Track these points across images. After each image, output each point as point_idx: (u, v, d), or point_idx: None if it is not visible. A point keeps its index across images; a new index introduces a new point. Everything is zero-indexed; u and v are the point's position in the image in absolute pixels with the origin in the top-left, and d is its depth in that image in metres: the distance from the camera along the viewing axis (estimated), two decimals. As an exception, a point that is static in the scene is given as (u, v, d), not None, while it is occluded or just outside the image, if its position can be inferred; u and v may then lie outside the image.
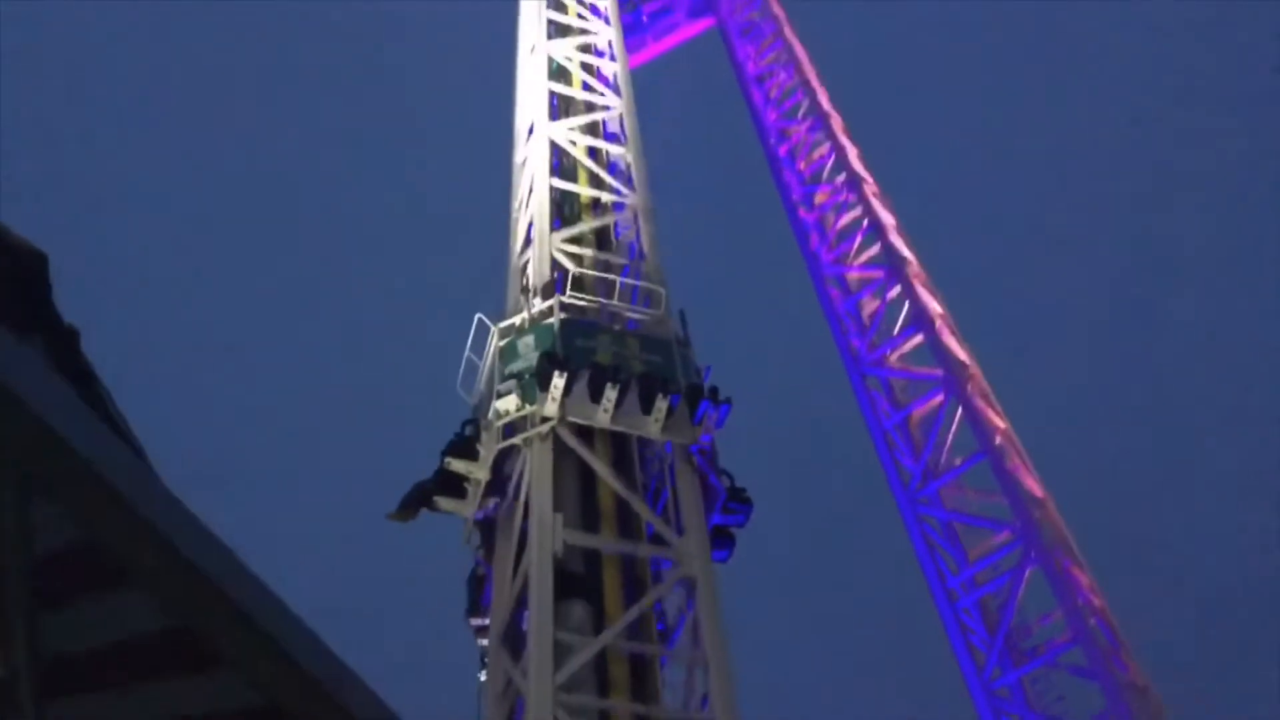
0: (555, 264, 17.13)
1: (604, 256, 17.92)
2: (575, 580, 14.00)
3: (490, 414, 15.04)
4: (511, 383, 15.00)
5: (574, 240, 18.02)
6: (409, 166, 73.43)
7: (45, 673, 2.52)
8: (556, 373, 14.56)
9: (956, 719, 22.89)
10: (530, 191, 18.94)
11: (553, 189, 18.61)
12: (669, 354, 15.90)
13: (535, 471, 14.74)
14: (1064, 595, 19.93)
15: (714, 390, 15.48)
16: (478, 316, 16.33)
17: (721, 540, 15.28)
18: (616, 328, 16.35)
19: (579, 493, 15.26)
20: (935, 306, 25.48)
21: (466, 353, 16.13)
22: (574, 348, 15.27)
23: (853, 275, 26.67)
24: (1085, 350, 68.37)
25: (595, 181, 19.29)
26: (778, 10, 32.67)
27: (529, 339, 15.65)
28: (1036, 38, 73.67)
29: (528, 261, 17.61)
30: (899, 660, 55.88)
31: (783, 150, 29.98)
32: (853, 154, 28.49)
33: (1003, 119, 73.06)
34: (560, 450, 14.93)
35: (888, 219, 27.38)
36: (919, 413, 24.13)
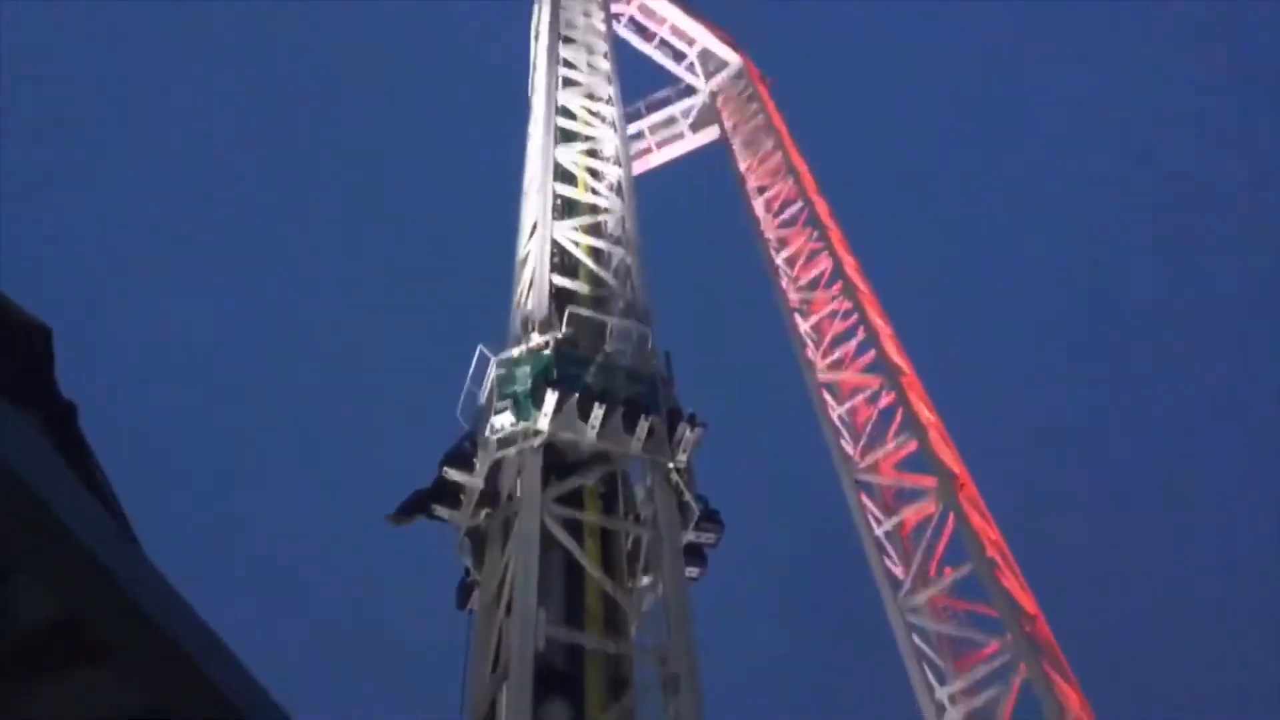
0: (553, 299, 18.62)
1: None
2: (557, 676, 13.80)
3: (487, 429, 16.19)
4: (508, 401, 16.32)
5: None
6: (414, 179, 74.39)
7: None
8: (549, 390, 15.97)
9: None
10: (530, 285, 19.41)
11: (552, 284, 19.23)
12: (653, 386, 17.25)
13: (520, 566, 14.71)
14: (1056, 713, 19.59)
15: (692, 416, 16.88)
16: (479, 348, 17.44)
17: (694, 558, 16.61)
18: (605, 359, 17.61)
19: (565, 588, 15.20)
20: (928, 415, 25.63)
21: (467, 384, 17.19)
22: (567, 373, 16.68)
23: (847, 381, 26.87)
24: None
25: (594, 280, 19.89)
26: (779, 123, 33.62)
27: (525, 368, 16.97)
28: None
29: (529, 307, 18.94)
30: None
31: (781, 258, 30.50)
32: (850, 265, 29.00)
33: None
34: (547, 543, 14.93)
35: (883, 327, 27.71)
36: (910, 520, 24.05)
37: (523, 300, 19.54)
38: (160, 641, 2.16)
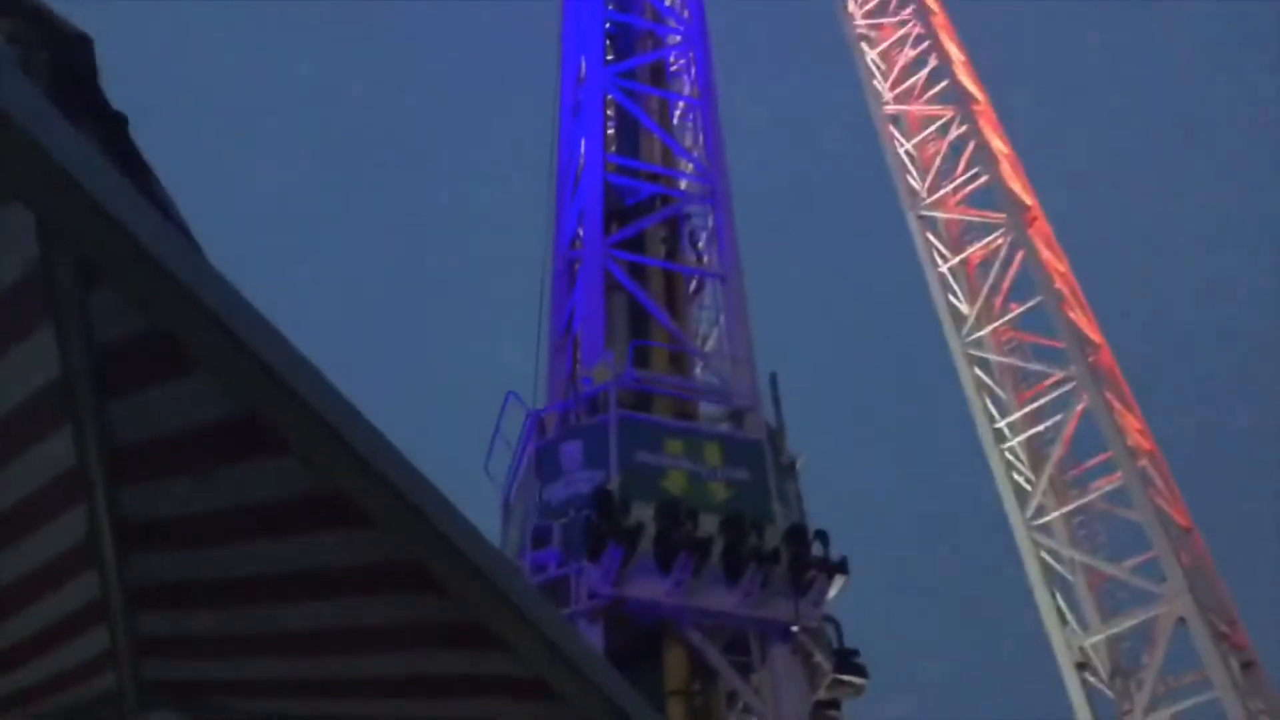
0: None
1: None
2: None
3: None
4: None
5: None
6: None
7: (114, 461, 2.71)
8: (611, 543, 11.22)
9: (996, 555, 23.42)
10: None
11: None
12: (760, 468, 12.74)
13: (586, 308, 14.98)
14: (1115, 437, 19.97)
15: (824, 558, 11.88)
16: (509, 395, 13.93)
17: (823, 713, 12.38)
18: (685, 421, 13.62)
19: (629, 331, 15.52)
20: (1000, 146, 24.72)
21: (495, 433, 13.74)
22: (635, 474, 12.06)
23: (915, 113, 25.83)
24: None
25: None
26: None
27: (574, 448, 12.67)
28: None
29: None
30: (937, 493, 56.90)
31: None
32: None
33: None
34: (610, 285, 15.16)
35: (956, 54, 26.28)
36: (977, 256, 23.76)
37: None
38: (240, 349, 2.19)
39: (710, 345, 17.05)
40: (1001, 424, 21.36)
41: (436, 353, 65.18)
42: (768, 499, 12.41)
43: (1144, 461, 20.18)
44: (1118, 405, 20.78)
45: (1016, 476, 20.95)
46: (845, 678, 12.14)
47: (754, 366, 14.93)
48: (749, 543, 11.62)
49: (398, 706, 3.18)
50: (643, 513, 11.47)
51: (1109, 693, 18.78)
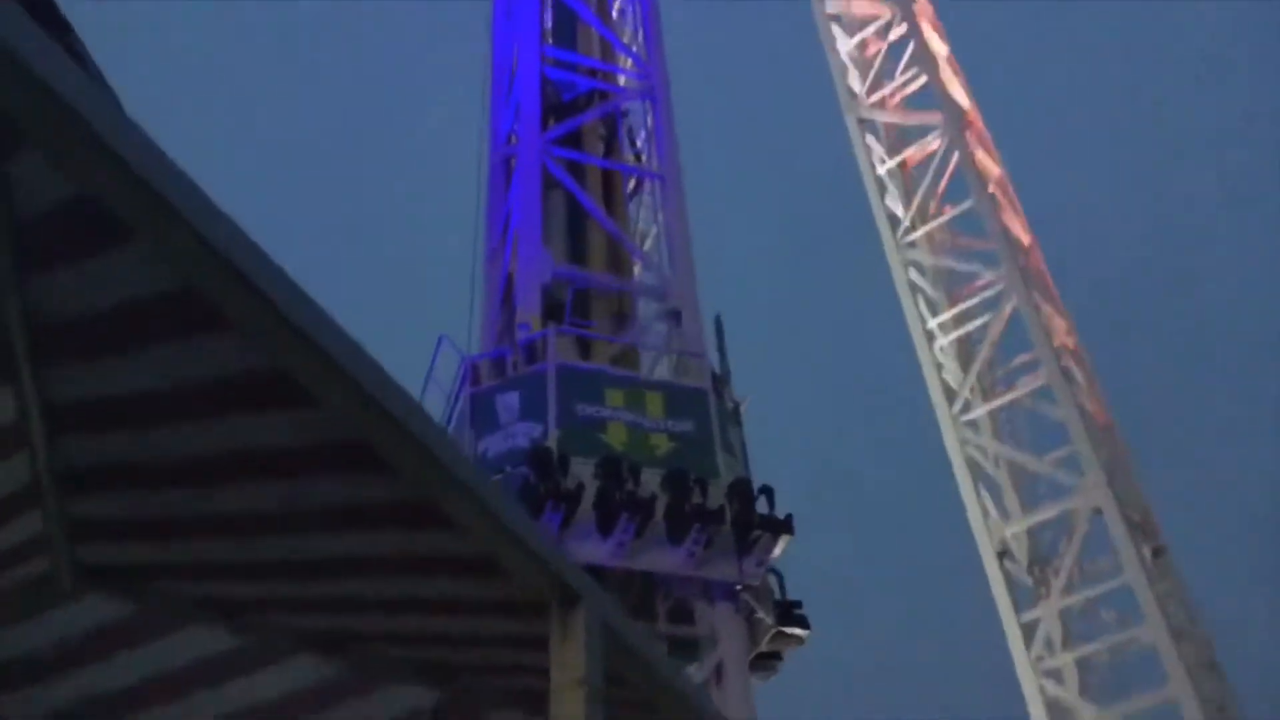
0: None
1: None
2: (563, 311, 14.25)
3: None
4: None
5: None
6: None
7: (40, 339, 2.62)
8: (550, 504, 11.11)
9: (925, 447, 24.11)
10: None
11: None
12: (704, 418, 12.52)
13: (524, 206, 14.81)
14: (1040, 338, 20.49)
15: (769, 516, 11.87)
16: (441, 340, 13.56)
17: (768, 660, 12.53)
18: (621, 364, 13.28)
19: (568, 228, 15.42)
20: (940, 47, 24.59)
21: (428, 377, 13.37)
22: (575, 428, 11.80)
23: (857, 11, 25.53)
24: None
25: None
26: None
27: (511, 399, 12.36)
28: None
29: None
30: (869, 393, 58.16)
31: None
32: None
33: None
34: (548, 184, 14.95)
35: (897, -50, 25.89)
36: (914, 158, 23.83)
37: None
38: (175, 218, 2.12)
39: (649, 245, 17.01)
40: (932, 324, 21.75)
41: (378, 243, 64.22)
42: (711, 452, 12.24)
43: (1069, 360, 20.78)
44: (1046, 306, 21.26)
45: (946, 376, 21.45)
46: (788, 630, 12.19)
47: (700, 312, 14.54)
48: (692, 500, 11.49)
49: (344, 586, 3.20)
50: (582, 470, 11.32)
51: (1027, 579, 19.66)
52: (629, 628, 3.13)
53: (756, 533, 11.70)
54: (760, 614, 12.14)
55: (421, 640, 3.42)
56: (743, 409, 13.72)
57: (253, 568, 3.21)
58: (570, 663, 2.74)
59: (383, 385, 2.47)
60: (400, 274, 60.10)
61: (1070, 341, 21.38)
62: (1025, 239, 22.46)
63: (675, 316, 14.97)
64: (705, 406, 12.70)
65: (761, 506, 12.00)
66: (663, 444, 12.08)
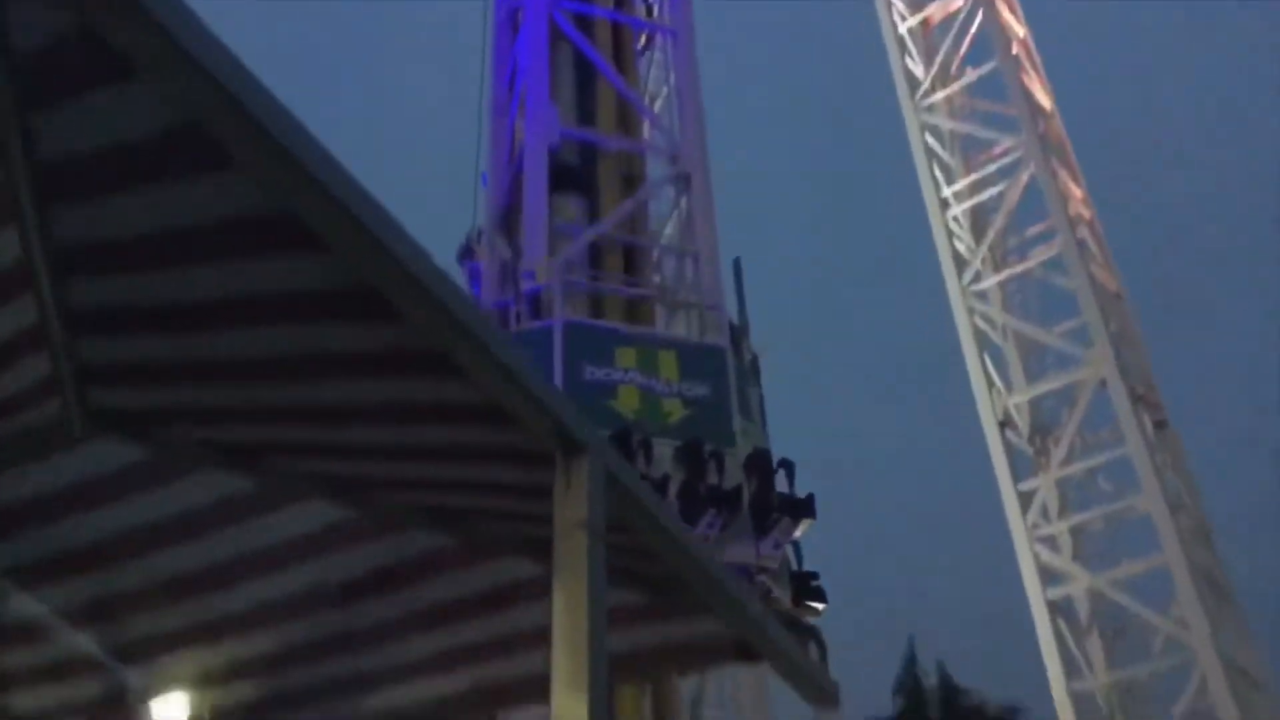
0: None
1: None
2: (571, 173, 14.07)
3: None
4: None
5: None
6: None
7: (43, 178, 2.56)
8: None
9: (935, 321, 24.10)
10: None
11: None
12: (721, 380, 11.89)
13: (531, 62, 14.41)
14: (1057, 206, 20.20)
15: (788, 496, 11.27)
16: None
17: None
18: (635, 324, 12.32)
19: (576, 85, 15.04)
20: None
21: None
22: (582, 395, 10.85)
23: None
24: None
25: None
26: None
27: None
28: None
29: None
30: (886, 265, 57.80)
31: None
32: None
33: None
34: (555, 35, 14.50)
35: None
36: (936, 16, 23.04)
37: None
38: (180, 55, 2.04)
39: (659, 105, 16.62)
40: (947, 192, 21.42)
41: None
42: (728, 418, 11.66)
43: (1083, 231, 20.53)
44: (1063, 173, 20.89)
45: (958, 244, 21.25)
46: (807, 603, 11.72)
47: (718, 260, 13.45)
48: (708, 480, 10.97)
49: (354, 433, 3.22)
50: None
51: (1028, 449, 19.90)
52: (632, 477, 3.18)
53: (775, 515, 11.24)
54: (776, 593, 11.44)
55: (431, 486, 3.48)
56: (761, 362, 13.03)
57: (263, 412, 3.23)
58: (574, 507, 2.77)
59: (389, 228, 2.42)
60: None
61: (1086, 211, 21.11)
62: (1047, 103, 21.92)
63: (685, 180, 14.76)
64: (723, 366, 12.09)
65: (781, 483, 11.44)
66: (676, 411, 11.50)
